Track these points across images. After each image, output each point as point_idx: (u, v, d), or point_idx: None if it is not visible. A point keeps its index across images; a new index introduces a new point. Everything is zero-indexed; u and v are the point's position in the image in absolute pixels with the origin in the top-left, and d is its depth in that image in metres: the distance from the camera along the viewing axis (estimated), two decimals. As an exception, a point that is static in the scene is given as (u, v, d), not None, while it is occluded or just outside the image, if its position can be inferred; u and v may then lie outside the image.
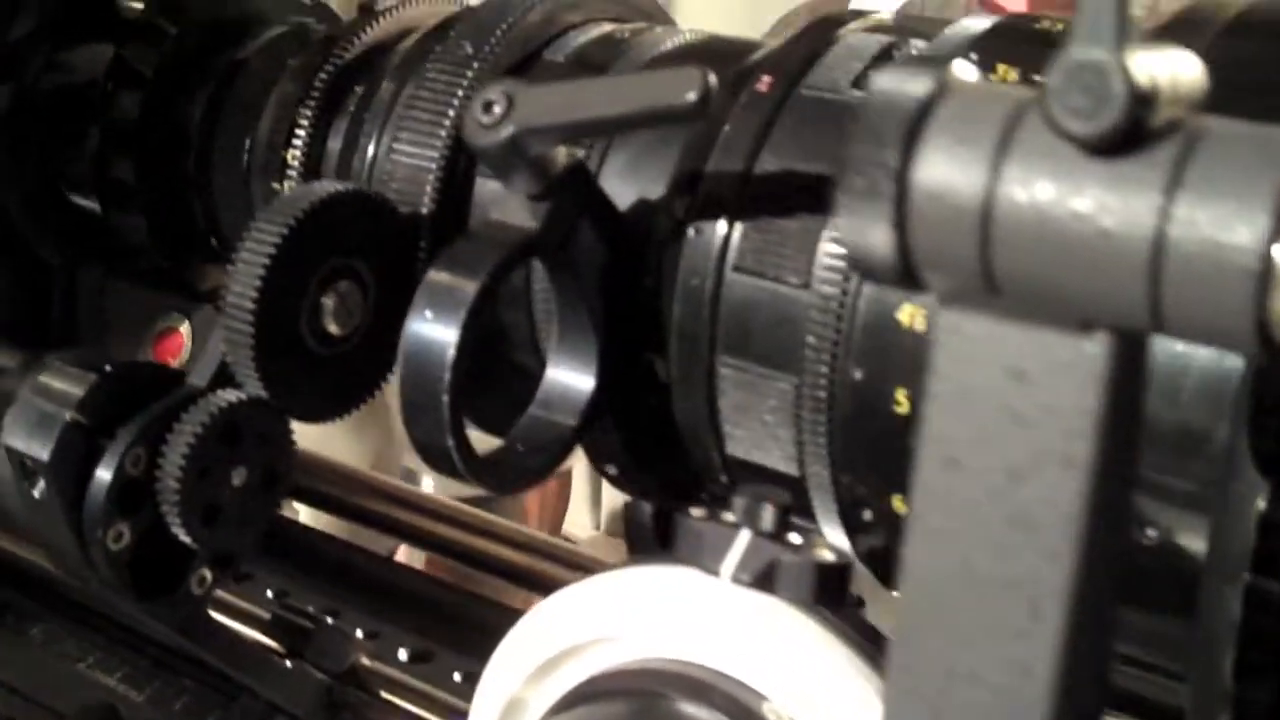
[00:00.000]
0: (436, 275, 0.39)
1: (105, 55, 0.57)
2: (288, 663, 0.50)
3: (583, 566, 0.55)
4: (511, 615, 0.46)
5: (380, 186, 0.48)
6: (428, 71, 0.47)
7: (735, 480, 0.43)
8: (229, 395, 0.42)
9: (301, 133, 0.51)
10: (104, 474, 0.40)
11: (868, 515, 0.40)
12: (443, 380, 0.38)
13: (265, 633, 0.51)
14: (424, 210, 0.46)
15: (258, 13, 0.58)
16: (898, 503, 0.38)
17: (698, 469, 0.44)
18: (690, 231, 0.41)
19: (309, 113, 0.51)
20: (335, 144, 0.50)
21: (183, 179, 0.56)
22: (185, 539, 0.42)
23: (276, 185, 0.52)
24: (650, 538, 0.49)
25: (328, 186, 0.44)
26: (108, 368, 0.42)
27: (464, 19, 0.49)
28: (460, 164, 0.46)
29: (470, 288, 0.38)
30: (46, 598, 0.60)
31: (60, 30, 0.58)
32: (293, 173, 0.51)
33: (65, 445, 0.40)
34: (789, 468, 0.41)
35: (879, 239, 0.23)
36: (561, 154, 0.39)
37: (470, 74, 0.46)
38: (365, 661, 0.51)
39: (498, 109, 0.38)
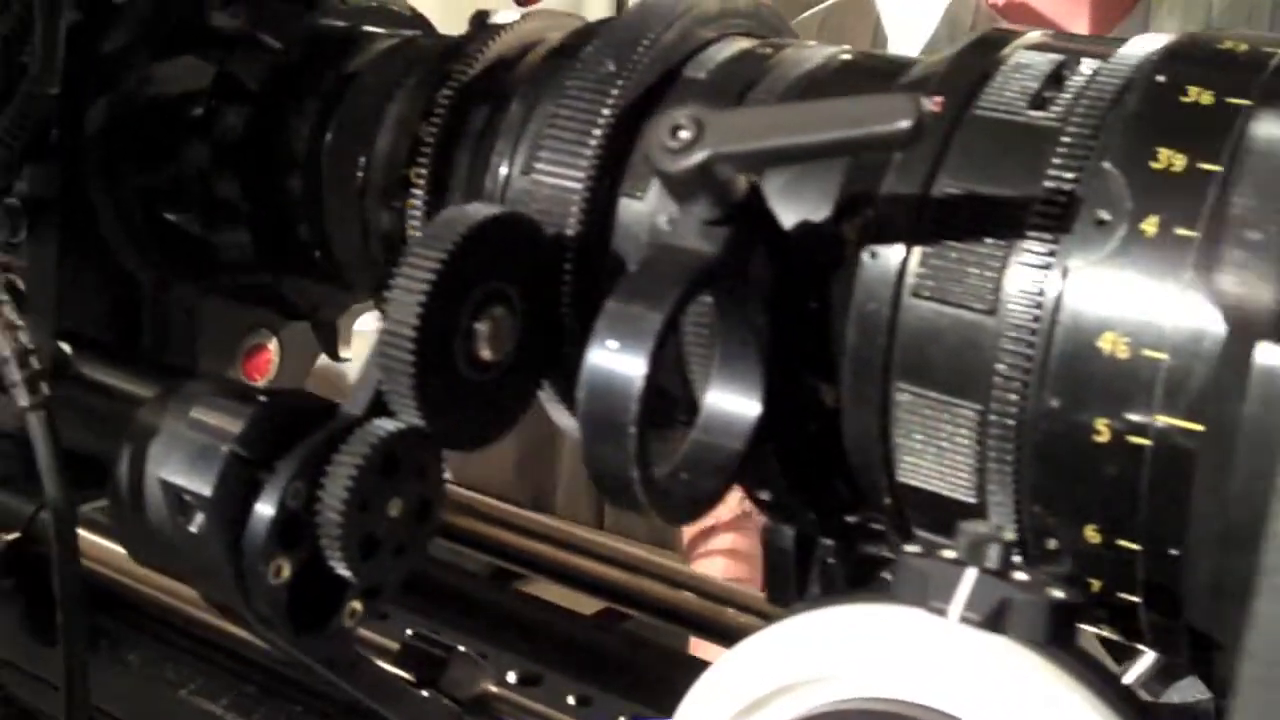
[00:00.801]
0: (619, 304, 0.38)
1: (205, 69, 0.55)
2: (424, 692, 0.48)
3: (750, 608, 0.54)
4: (632, 641, 0.45)
5: (517, 207, 0.47)
6: (568, 90, 0.46)
7: (901, 506, 0.42)
8: (387, 425, 0.41)
9: (427, 151, 0.49)
10: (265, 508, 0.39)
11: (1052, 544, 0.39)
12: (629, 411, 0.37)
13: (395, 663, 0.50)
14: (569, 231, 0.45)
15: (359, 26, 0.57)
16: (1090, 533, 0.38)
17: (860, 495, 0.43)
18: (865, 255, 0.40)
19: (434, 130, 0.49)
20: (461, 163, 0.49)
21: (289, 195, 0.55)
22: (344, 572, 0.41)
23: (397, 204, 0.51)
24: (789, 563, 0.48)
25: (483, 210, 0.42)
26: (262, 398, 0.41)
27: (598, 35, 0.48)
28: (604, 184, 0.45)
29: (656, 317, 0.37)
30: (141, 622, 0.59)
31: (157, 44, 0.56)
32: (417, 192, 0.50)
33: (227, 480, 0.39)
34: (965, 494, 0.40)
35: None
36: (741, 179, 0.38)
37: (615, 92, 0.45)
38: (493, 689, 0.50)
39: (685, 134, 0.37)
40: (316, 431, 0.41)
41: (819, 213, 0.41)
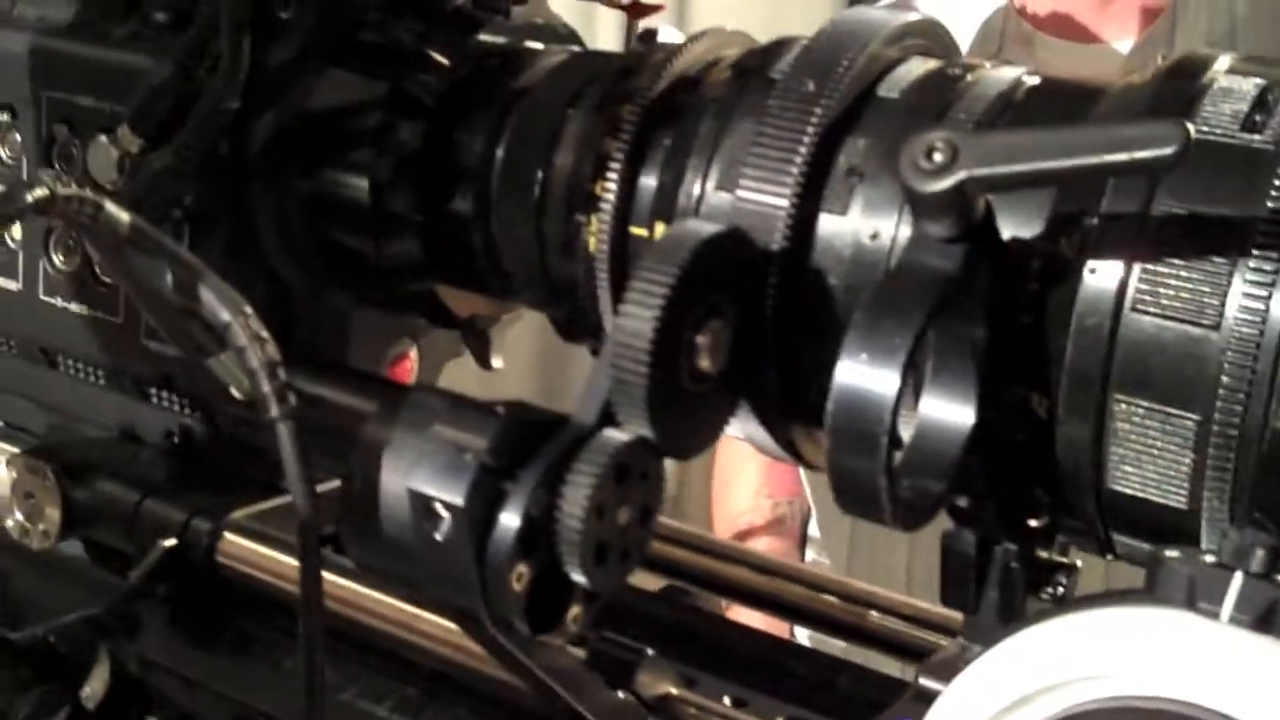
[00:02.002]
0: (869, 320, 0.39)
1: (374, 84, 0.57)
2: (619, 694, 0.50)
3: (942, 628, 0.56)
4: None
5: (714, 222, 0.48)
6: (770, 109, 0.47)
7: (1108, 514, 0.44)
8: (618, 435, 0.42)
9: (616, 167, 0.51)
10: (511, 517, 0.40)
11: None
12: (882, 424, 0.39)
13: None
14: (774, 247, 0.46)
15: (523, 42, 0.58)
16: (1311, 539, 0.39)
17: (1061, 501, 0.45)
18: (1085, 271, 0.42)
19: (622, 146, 0.51)
20: (649, 179, 0.51)
21: (460, 208, 0.56)
22: (578, 578, 0.42)
23: (580, 217, 0.52)
24: (969, 567, 0.50)
25: (708, 227, 0.44)
26: (500, 409, 0.42)
27: (786, 54, 0.49)
28: (807, 201, 0.47)
29: (906, 334, 0.39)
30: (293, 626, 0.60)
31: (323, 58, 0.58)
32: (605, 207, 0.51)
33: (478, 490, 0.40)
34: (1178, 501, 0.42)
35: None
36: (981, 199, 0.40)
37: (817, 111, 0.47)
38: (677, 693, 0.51)
39: (940, 156, 0.38)
40: (551, 442, 0.42)
41: (1035, 228, 0.43)
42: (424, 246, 0.57)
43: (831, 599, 0.59)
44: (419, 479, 0.41)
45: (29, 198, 0.39)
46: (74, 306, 0.63)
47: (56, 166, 0.62)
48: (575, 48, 0.59)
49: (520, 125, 0.55)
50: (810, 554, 1.50)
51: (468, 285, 0.59)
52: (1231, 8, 1.33)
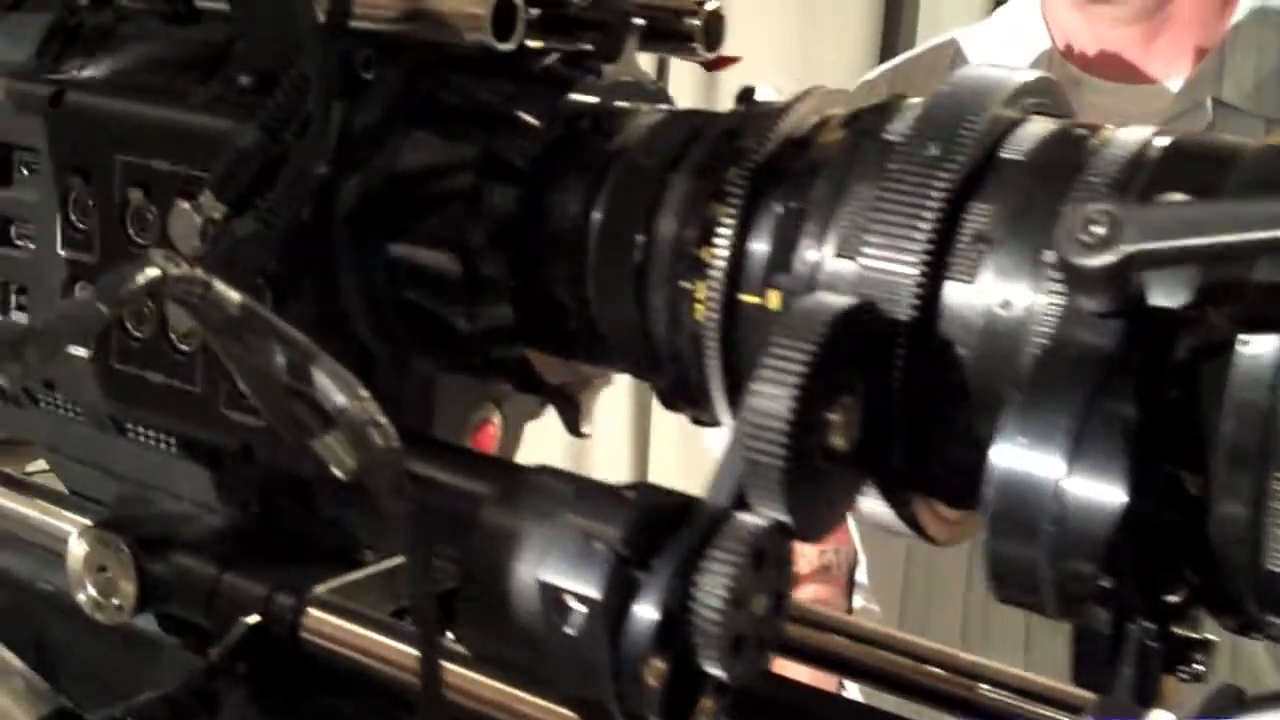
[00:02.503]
0: (1027, 401, 0.37)
1: (462, 147, 0.55)
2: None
3: (1062, 704, 0.54)
4: None
5: (833, 291, 0.46)
6: (891, 173, 0.45)
7: (1264, 595, 0.42)
8: (754, 520, 0.40)
9: (725, 232, 0.49)
10: (648, 610, 0.39)
11: None
12: (1045, 510, 0.37)
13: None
14: (902, 317, 0.44)
15: (614, 101, 0.57)
16: None
17: (1212, 581, 0.43)
18: (1239, 344, 0.40)
19: (731, 211, 0.49)
20: (760, 245, 0.49)
21: (555, 273, 0.54)
22: (716, 671, 0.40)
23: (686, 284, 0.50)
24: (1103, 646, 0.48)
25: (840, 299, 0.42)
26: (629, 494, 0.40)
27: (907, 114, 0.48)
28: (934, 268, 0.45)
29: (1069, 413, 0.37)
30: (382, 705, 0.58)
31: (409, 120, 0.56)
32: (715, 274, 0.49)
33: (613, 582, 0.38)
34: (1341, 582, 0.40)
35: None
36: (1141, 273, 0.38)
37: (943, 175, 0.45)
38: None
39: (1099, 229, 0.37)
40: (684, 528, 0.40)
41: (1183, 298, 0.41)
42: (516, 312, 0.55)
43: (938, 671, 0.57)
44: (550, 570, 0.39)
45: (140, 279, 0.37)
46: (149, 375, 0.61)
47: (131, 232, 0.61)
48: (666, 106, 0.57)
49: (618, 188, 0.53)
50: (858, 601, 1.48)
51: (561, 351, 0.57)
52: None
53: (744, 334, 0.49)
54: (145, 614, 0.63)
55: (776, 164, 0.50)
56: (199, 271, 0.39)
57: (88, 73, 0.63)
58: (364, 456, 0.39)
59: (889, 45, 2.12)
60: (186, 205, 0.55)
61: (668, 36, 0.60)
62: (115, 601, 0.62)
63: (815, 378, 0.41)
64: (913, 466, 0.46)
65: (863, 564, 1.47)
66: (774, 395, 0.40)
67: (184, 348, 0.60)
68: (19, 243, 0.65)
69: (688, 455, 1.99)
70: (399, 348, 0.58)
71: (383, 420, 0.40)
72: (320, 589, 0.59)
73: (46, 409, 0.69)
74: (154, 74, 0.62)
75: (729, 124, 0.52)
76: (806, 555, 1.48)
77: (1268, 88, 1.28)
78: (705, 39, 0.62)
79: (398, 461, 0.40)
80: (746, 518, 0.41)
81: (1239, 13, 1.29)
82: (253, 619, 0.58)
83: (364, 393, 0.40)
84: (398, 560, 0.62)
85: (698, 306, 0.50)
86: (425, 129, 0.56)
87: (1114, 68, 1.31)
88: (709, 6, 0.61)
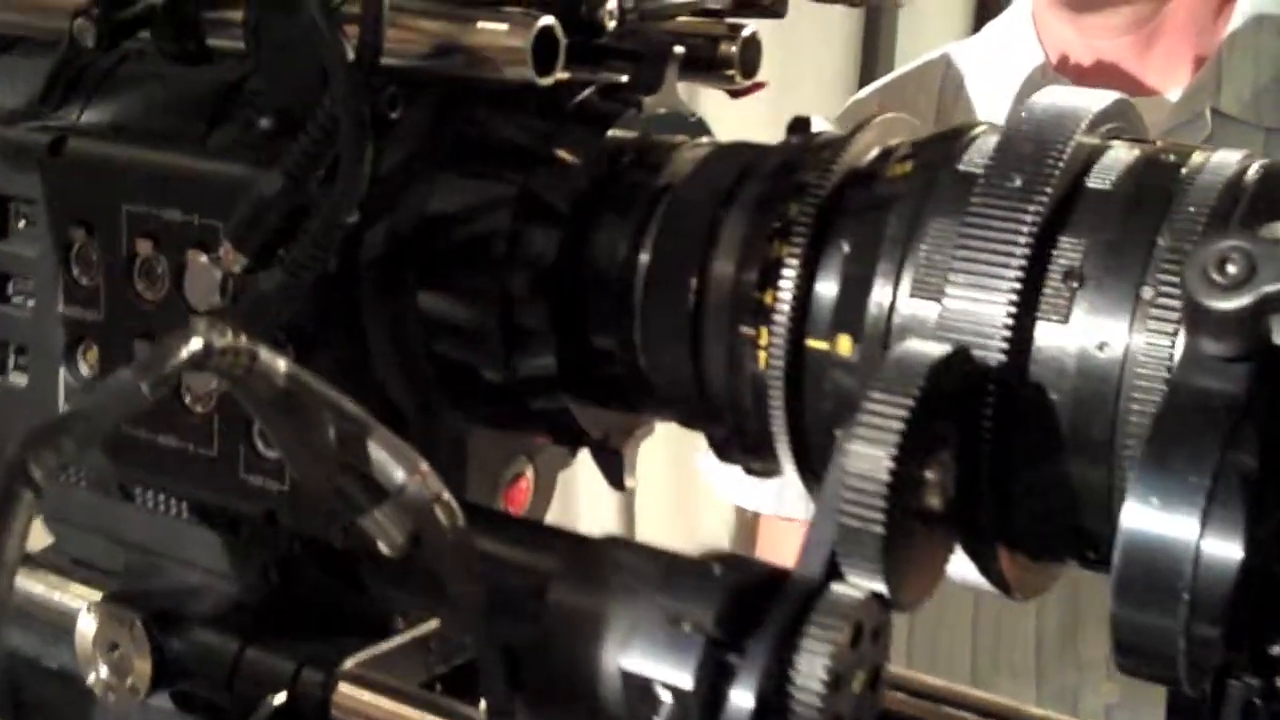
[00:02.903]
0: (1156, 457, 0.34)
1: (494, 187, 0.52)
2: None
3: None
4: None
5: (908, 334, 0.43)
6: (974, 207, 0.42)
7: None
8: (850, 592, 0.37)
9: (790, 273, 0.46)
10: (744, 698, 0.35)
11: None
12: (1183, 576, 0.34)
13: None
14: (991, 362, 0.41)
15: (655, 135, 0.53)
16: None
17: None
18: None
19: (795, 250, 0.46)
20: (828, 286, 0.46)
21: (600, 319, 0.51)
22: (815, 757, 0.37)
23: (747, 329, 0.47)
24: (1202, 700, 0.45)
25: (933, 347, 0.39)
26: (717, 570, 0.37)
27: (980, 143, 0.45)
28: (1025, 308, 0.42)
29: (1203, 469, 0.34)
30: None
31: (439, 161, 0.53)
32: (779, 319, 0.46)
33: (705, 669, 0.35)
34: None
35: None
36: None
37: (1031, 209, 0.42)
38: None
39: (1235, 269, 0.34)
40: (777, 604, 0.37)
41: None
42: (558, 362, 0.51)
43: (958, 713, 0.54)
44: (635, 656, 0.36)
45: (184, 353, 0.33)
46: (161, 439, 0.58)
47: (139, 287, 0.57)
48: (708, 139, 0.54)
49: (666, 228, 0.50)
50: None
51: (606, 401, 0.54)
52: (1279, 52, 1.29)
53: (811, 381, 0.46)
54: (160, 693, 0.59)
55: (840, 199, 0.47)
56: (244, 340, 0.35)
57: (88, 118, 0.60)
58: (431, 536, 0.36)
59: (868, 68, 2.10)
60: (204, 258, 0.51)
61: (703, 65, 0.57)
62: (129, 681, 0.58)
63: (914, 434, 0.37)
64: (1000, 519, 0.43)
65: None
66: (871, 456, 0.37)
67: (198, 409, 0.57)
68: (16, 299, 0.61)
69: (677, 495, 1.96)
70: (430, 401, 0.55)
71: (447, 496, 0.37)
72: (350, 662, 0.56)
73: (48, 473, 0.65)
74: (159, 118, 0.59)
75: (784, 157, 0.49)
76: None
77: (1266, 97, 1.26)
78: (742, 67, 0.59)
79: (467, 542, 0.36)
80: (841, 589, 0.38)
81: (1235, 20, 1.27)
82: (279, 697, 0.55)
83: (424, 466, 0.37)
84: (429, 626, 0.59)
85: (760, 353, 0.47)
86: (455, 170, 0.53)
87: (1110, 79, 1.29)
88: (745, 32, 0.58)
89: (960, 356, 0.40)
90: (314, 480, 0.39)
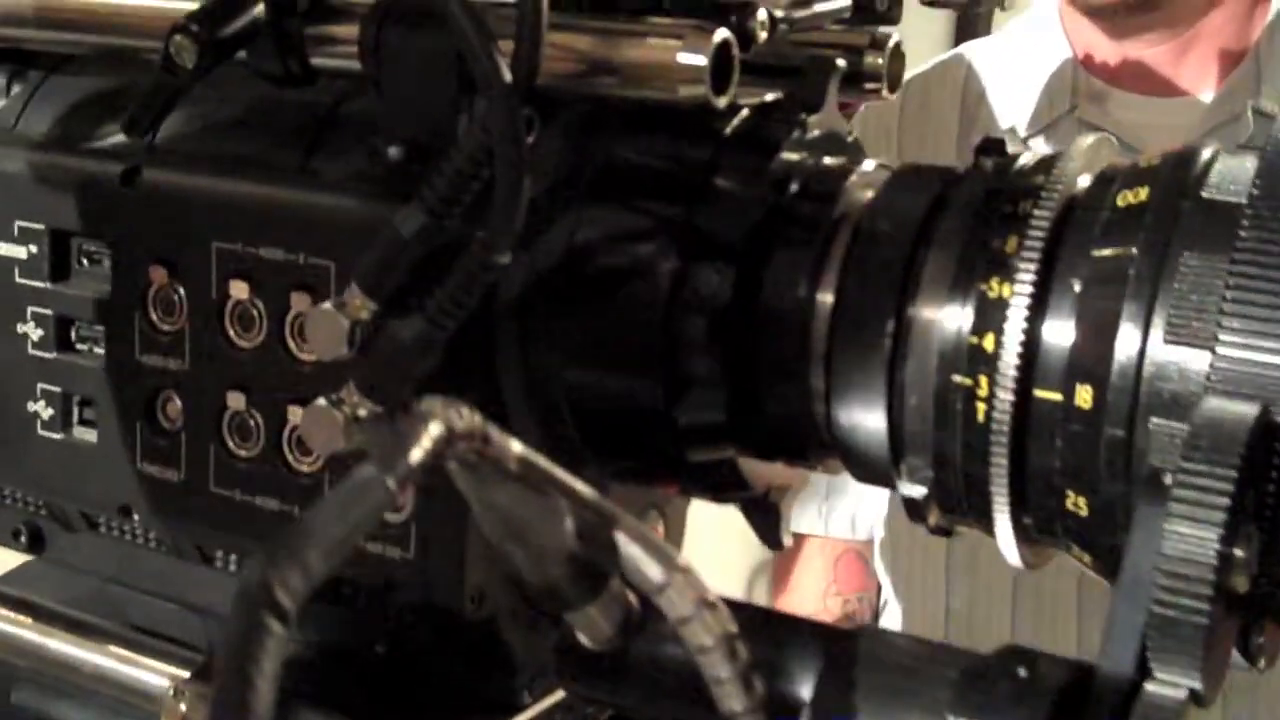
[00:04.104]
0: None
1: (654, 221, 0.46)
2: None
3: None
4: None
5: (1161, 383, 0.39)
6: (1246, 243, 0.38)
7: None
8: (1168, 694, 0.32)
9: (1014, 315, 0.41)
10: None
11: None
12: None
13: None
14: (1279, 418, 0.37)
15: (823, 160, 0.48)
16: None
17: None
18: None
19: (1022, 290, 0.41)
20: (1059, 330, 0.41)
21: (775, 364, 0.46)
22: None
23: (962, 379, 0.42)
24: None
25: (1243, 407, 0.34)
26: (1021, 672, 0.32)
27: (1230, 169, 0.40)
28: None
29: None
30: None
31: (584, 190, 0.47)
32: (1005, 366, 0.41)
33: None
34: None
35: None
36: None
37: (1310, 243, 0.37)
38: None
39: None
40: (1089, 711, 0.32)
41: None
42: (727, 409, 0.46)
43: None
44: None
45: (426, 442, 0.28)
46: (259, 500, 0.52)
47: (232, 333, 0.51)
48: (877, 162, 0.49)
49: (853, 266, 0.45)
50: (891, 649, 1.41)
51: (771, 454, 0.48)
52: None
53: (1039, 435, 0.41)
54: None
55: (1062, 232, 0.42)
56: (478, 420, 0.30)
57: (164, 143, 0.54)
58: (696, 641, 0.31)
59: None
60: (329, 305, 0.45)
61: (849, 78, 0.52)
62: (227, 770, 0.52)
63: (1237, 509, 0.33)
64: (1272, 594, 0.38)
65: (888, 611, 1.40)
66: (1197, 537, 0.32)
67: (304, 468, 0.51)
68: (81, 347, 0.55)
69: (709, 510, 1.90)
70: (569, 454, 0.49)
71: (712, 597, 0.31)
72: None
73: (109, 535, 0.59)
74: (245, 144, 0.53)
75: (985, 185, 0.44)
76: (830, 608, 1.40)
77: None
78: (888, 79, 0.54)
79: (738, 649, 0.31)
80: (1157, 689, 0.33)
81: (1271, 15, 1.24)
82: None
83: (683, 563, 0.32)
84: (556, 697, 0.53)
85: (979, 404, 0.42)
86: (603, 201, 0.47)
87: (1142, 80, 1.25)
88: (891, 42, 0.54)
89: (1265, 416, 0.35)
90: (530, 573, 0.34)
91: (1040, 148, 1.24)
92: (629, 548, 0.31)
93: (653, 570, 0.31)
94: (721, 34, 0.44)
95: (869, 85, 0.54)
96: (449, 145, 0.46)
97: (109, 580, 0.60)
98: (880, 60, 0.53)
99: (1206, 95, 1.24)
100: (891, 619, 1.40)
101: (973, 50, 1.36)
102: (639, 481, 0.52)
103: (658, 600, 0.31)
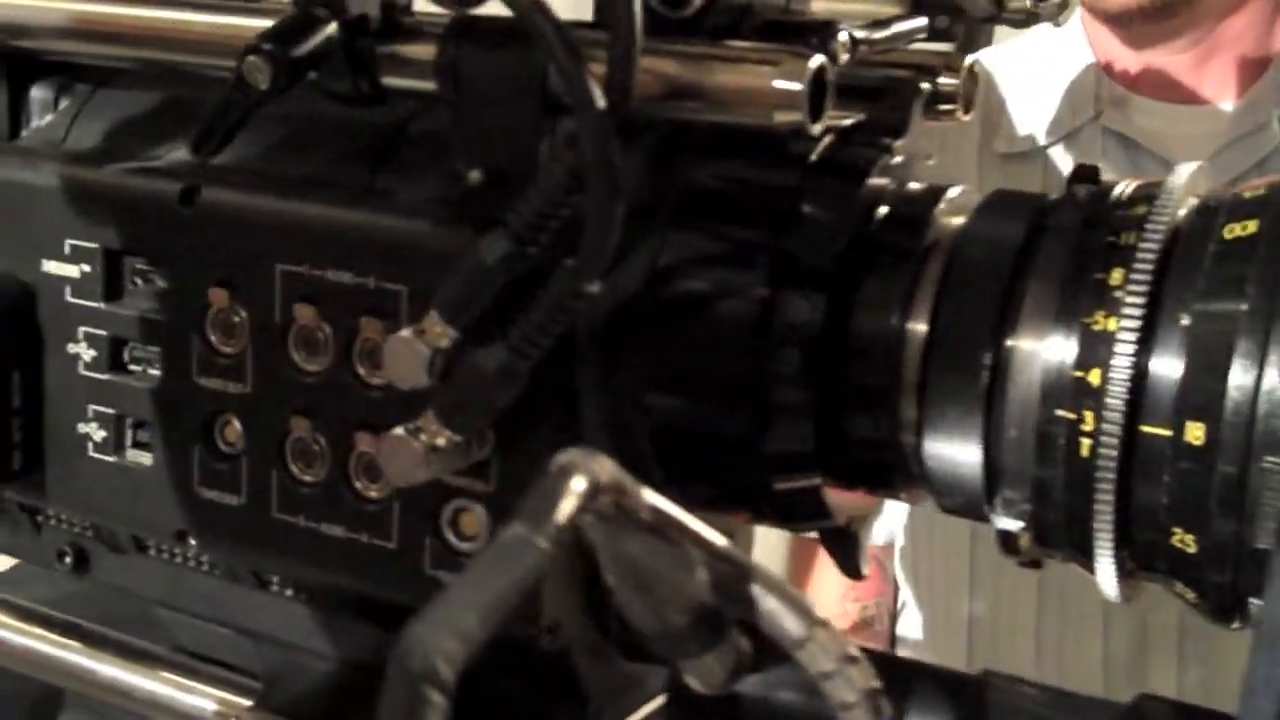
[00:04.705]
0: None
1: (744, 248, 0.46)
2: None
3: None
4: None
5: (1278, 425, 0.38)
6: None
7: None
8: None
9: (1123, 350, 0.40)
10: None
11: None
12: None
13: None
14: None
15: (907, 185, 0.47)
16: None
17: None
18: None
19: (1128, 323, 0.40)
20: (1168, 365, 0.40)
21: (865, 394, 0.45)
22: None
23: (1065, 413, 0.41)
24: None
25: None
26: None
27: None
28: None
29: None
30: None
31: (666, 216, 0.46)
32: (1113, 401, 0.40)
33: None
34: None
35: None
36: None
37: None
38: None
39: None
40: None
41: None
42: (817, 438, 0.45)
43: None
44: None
45: (573, 498, 0.27)
46: (324, 528, 0.51)
47: (296, 357, 0.50)
48: (962, 187, 0.48)
49: (948, 295, 0.44)
50: (901, 654, 1.40)
51: (854, 483, 0.48)
52: None
53: (1146, 470, 0.41)
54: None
55: (1168, 264, 0.41)
56: (618, 470, 0.29)
57: (220, 161, 0.52)
58: (839, 697, 0.30)
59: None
60: (408, 332, 0.44)
61: (926, 99, 0.51)
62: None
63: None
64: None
65: (906, 616, 1.40)
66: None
67: (372, 494, 0.50)
68: (134, 368, 0.54)
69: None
70: (647, 483, 0.48)
71: (854, 651, 0.31)
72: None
73: (157, 558, 0.58)
74: (305, 161, 0.52)
75: (1083, 213, 0.43)
76: (848, 613, 1.39)
77: None
78: (964, 101, 0.53)
79: (879, 704, 0.30)
80: (1295, 742, 0.32)
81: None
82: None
83: (822, 618, 0.31)
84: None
85: (1084, 440, 0.41)
86: (687, 226, 0.46)
87: (1163, 88, 1.25)
88: (968, 61, 0.53)
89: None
90: (647, 621, 0.33)
91: (1060, 156, 1.24)
92: (766, 601, 0.30)
93: (791, 624, 0.30)
94: (817, 60, 0.43)
95: (945, 106, 0.53)
96: (530, 168, 0.45)
97: (157, 602, 0.59)
98: (958, 82, 0.52)
99: (1228, 104, 1.24)
100: (910, 624, 1.39)
101: (994, 56, 1.35)
102: (717, 509, 0.51)
103: (797, 654, 0.30)
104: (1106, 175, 1.22)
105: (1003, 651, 1.25)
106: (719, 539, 0.31)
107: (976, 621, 1.26)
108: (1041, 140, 1.24)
